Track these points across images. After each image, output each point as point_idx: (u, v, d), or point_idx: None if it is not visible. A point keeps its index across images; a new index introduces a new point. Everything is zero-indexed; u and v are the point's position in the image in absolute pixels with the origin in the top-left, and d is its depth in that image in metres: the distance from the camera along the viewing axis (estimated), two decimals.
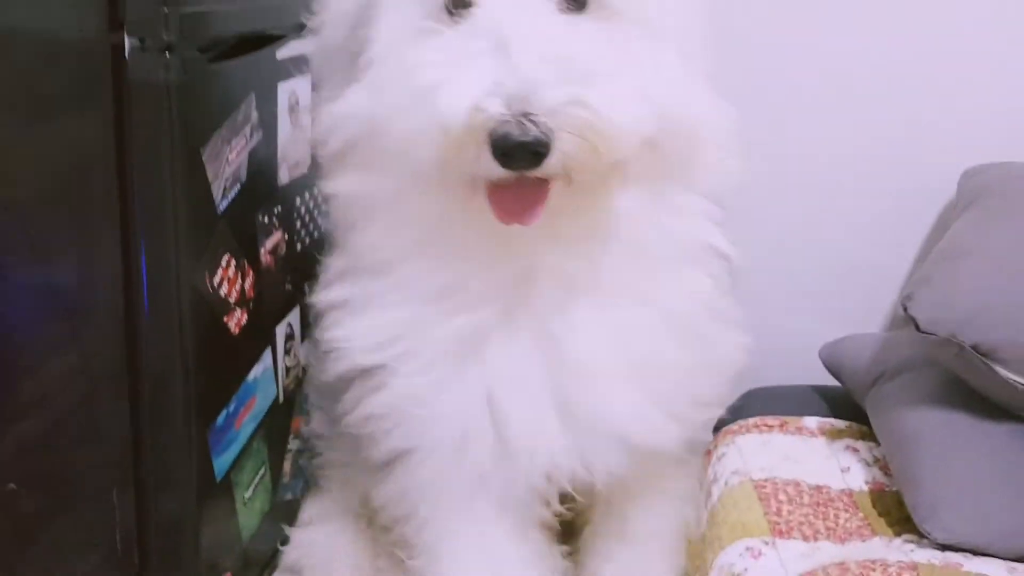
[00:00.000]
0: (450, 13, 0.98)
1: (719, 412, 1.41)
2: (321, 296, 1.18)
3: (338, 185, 1.10)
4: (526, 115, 0.87)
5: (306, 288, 1.52)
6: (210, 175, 1.17)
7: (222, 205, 1.22)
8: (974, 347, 1.17)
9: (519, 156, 0.89)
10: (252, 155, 1.28)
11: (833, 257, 1.79)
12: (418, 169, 0.97)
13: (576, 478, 1.16)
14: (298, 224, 1.48)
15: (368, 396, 1.15)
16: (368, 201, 1.09)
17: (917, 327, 1.20)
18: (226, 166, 1.21)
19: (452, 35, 0.96)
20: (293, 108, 1.39)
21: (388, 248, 1.10)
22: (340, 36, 1.07)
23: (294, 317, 1.49)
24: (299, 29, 1.36)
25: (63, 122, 1.04)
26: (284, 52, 1.34)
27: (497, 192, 0.96)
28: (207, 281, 1.19)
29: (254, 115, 1.27)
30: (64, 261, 1.08)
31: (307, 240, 1.50)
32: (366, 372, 1.15)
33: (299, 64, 1.38)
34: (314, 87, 1.18)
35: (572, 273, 1.09)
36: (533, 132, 0.87)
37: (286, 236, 1.43)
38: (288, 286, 1.45)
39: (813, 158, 1.74)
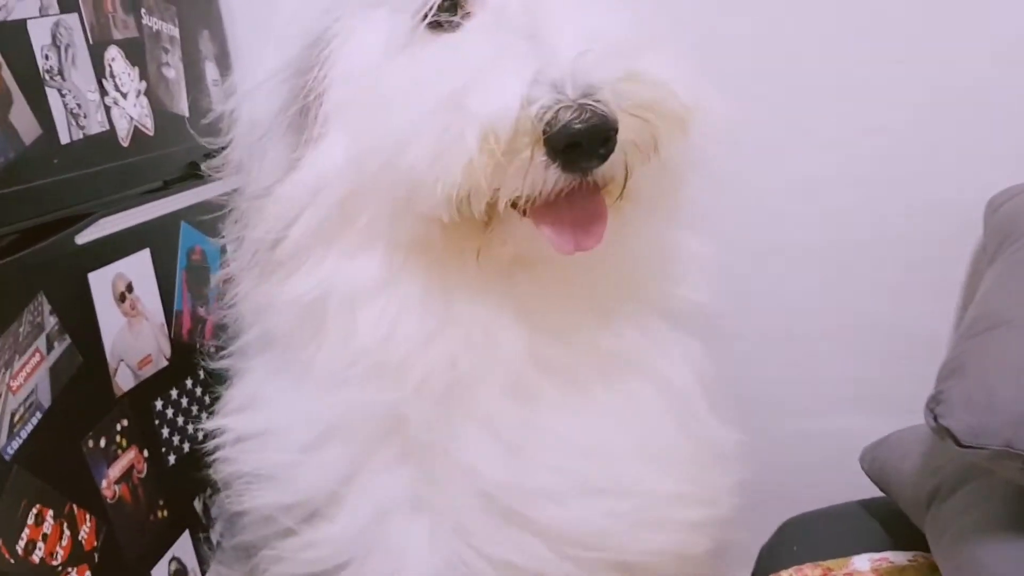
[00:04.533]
0: (437, 26, 0.82)
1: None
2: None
3: (302, 284, 0.87)
4: (586, 97, 0.73)
5: (198, 505, 1.25)
6: None
7: (11, 447, 0.94)
8: None
9: (587, 147, 0.74)
10: (59, 369, 1.01)
11: (861, 329, 1.45)
12: (431, 214, 0.78)
13: None
14: (165, 432, 1.20)
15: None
16: (346, 292, 0.86)
17: (957, 442, 0.86)
18: (8, 397, 0.94)
19: (458, 40, 0.81)
20: (124, 296, 1.13)
21: (388, 345, 0.85)
22: (278, 98, 0.87)
23: (182, 547, 1.19)
24: (109, 205, 1.13)
25: None
26: (91, 234, 1.08)
27: (549, 215, 0.79)
28: (3, 551, 0.91)
29: (50, 321, 1.01)
30: None
31: (185, 447, 1.22)
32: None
33: (123, 241, 1.13)
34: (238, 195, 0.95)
35: (598, 347, 0.90)
36: (600, 111, 0.73)
37: (145, 453, 1.15)
38: (162, 512, 1.16)
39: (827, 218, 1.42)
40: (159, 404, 1.19)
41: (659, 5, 0.94)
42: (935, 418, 0.86)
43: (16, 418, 0.96)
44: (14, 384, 0.95)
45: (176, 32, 1.31)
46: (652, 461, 0.90)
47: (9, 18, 0.98)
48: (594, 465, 0.88)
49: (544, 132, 0.73)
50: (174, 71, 1.29)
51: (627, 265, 0.89)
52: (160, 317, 1.20)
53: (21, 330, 0.97)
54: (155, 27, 1.25)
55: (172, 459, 1.20)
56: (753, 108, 1.39)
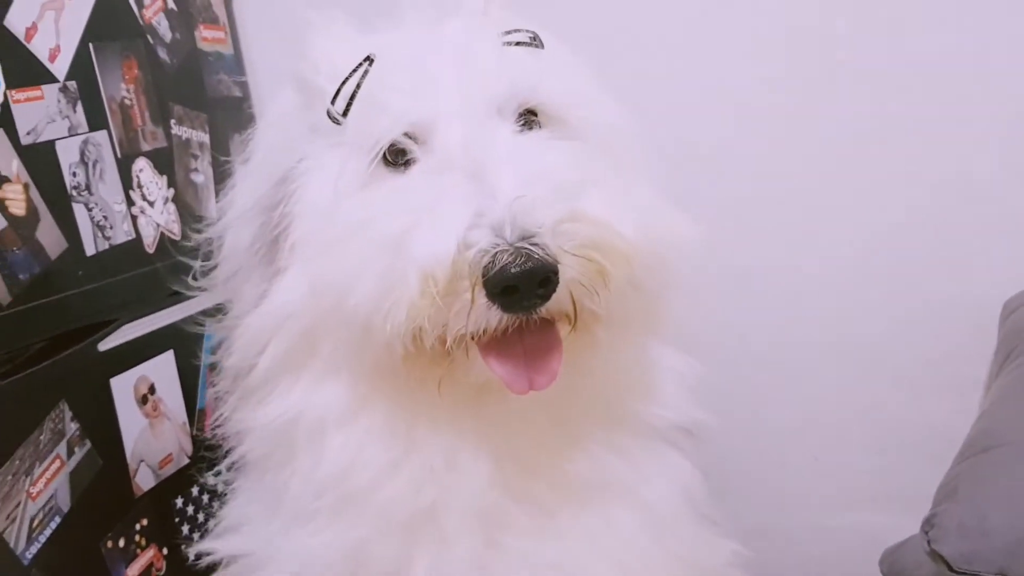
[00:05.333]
0: (392, 164, 0.84)
1: None
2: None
3: (273, 410, 0.87)
4: (524, 240, 0.73)
5: None
6: None
7: (29, 553, 0.98)
8: None
9: (525, 290, 0.73)
10: (78, 474, 1.06)
11: (880, 425, 1.43)
12: (388, 348, 0.78)
13: None
14: (185, 528, 1.23)
15: None
16: (314, 419, 0.86)
17: (949, 568, 0.85)
18: (27, 504, 0.98)
19: (407, 179, 0.82)
20: (146, 398, 1.17)
21: (353, 474, 0.85)
22: (250, 232, 0.91)
23: None
24: (134, 310, 1.18)
25: None
26: (113, 340, 1.13)
27: (499, 353, 0.78)
28: None
29: (71, 427, 1.05)
30: None
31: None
32: None
33: (146, 345, 1.18)
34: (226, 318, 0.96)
35: (570, 474, 0.88)
36: (537, 255, 0.72)
37: (164, 551, 1.18)
38: None
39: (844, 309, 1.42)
40: (179, 502, 1.23)
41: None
42: (928, 542, 0.85)
43: (35, 523, 1.00)
44: (33, 491, 1.00)
45: (206, 138, 1.37)
46: None
47: (38, 140, 1.04)
48: None
49: (484, 275, 0.72)
50: (203, 175, 1.35)
51: (599, 387, 0.88)
52: (183, 416, 1.25)
53: (42, 438, 1.02)
54: (184, 136, 1.32)
55: (191, 556, 1.23)
56: (770, 206, 1.42)
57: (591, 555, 0.88)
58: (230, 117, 1.45)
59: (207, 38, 1.41)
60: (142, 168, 1.22)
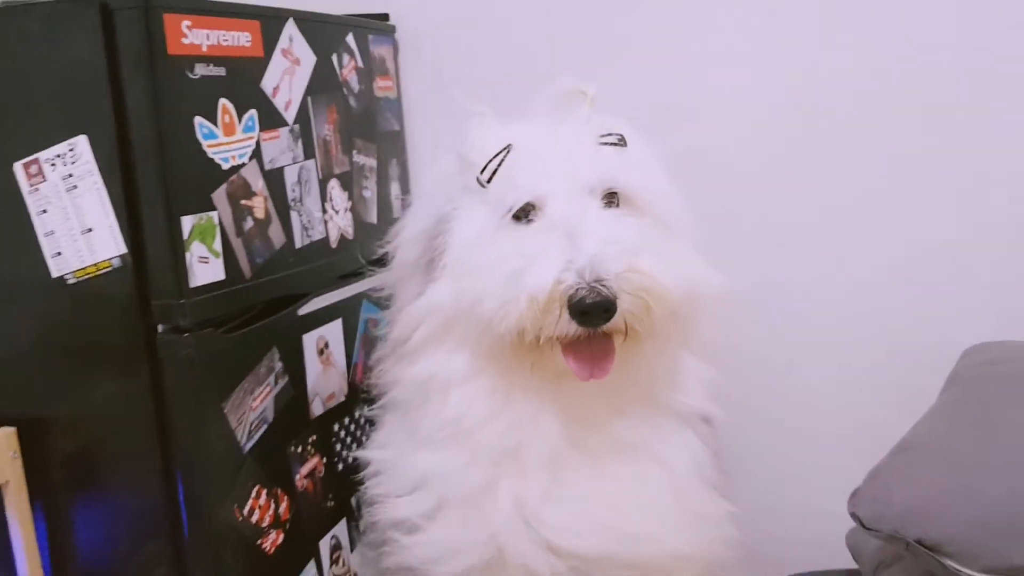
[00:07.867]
0: (518, 219, 1.25)
1: None
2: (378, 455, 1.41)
3: (418, 369, 1.32)
4: (596, 282, 1.14)
5: (353, 502, 1.74)
6: (232, 423, 1.42)
7: (247, 445, 1.46)
8: (919, 542, 1.20)
9: (593, 314, 1.15)
10: (279, 397, 1.53)
11: (859, 427, 1.82)
12: (500, 338, 1.20)
13: None
14: (338, 447, 1.70)
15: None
16: (443, 379, 1.30)
17: (862, 525, 1.24)
18: (249, 412, 1.46)
19: (526, 232, 1.24)
20: (322, 351, 1.64)
21: (465, 418, 1.29)
22: (416, 251, 1.35)
23: (340, 529, 1.70)
24: (320, 288, 1.64)
25: (112, 387, 1.36)
26: (307, 308, 1.60)
27: (573, 352, 1.20)
28: (236, 512, 1.42)
29: (278, 365, 1.52)
30: (125, 495, 1.39)
31: (350, 460, 1.72)
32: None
33: (325, 313, 1.65)
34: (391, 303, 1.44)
35: (615, 435, 1.30)
36: (604, 293, 1.14)
37: (324, 460, 1.65)
38: (330, 503, 1.67)
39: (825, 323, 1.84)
40: (336, 427, 1.70)
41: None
42: (852, 507, 1.25)
43: (252, 426, 1.47)
44: (254, 404, 1.47)
45: (375, 163, 1.83)
46: (653, 517, 1.29)
47: (274, 167, 1.51)
48: (605, 514, 1.27)
49: (568, 302, 1.13)
50: (370, 192, 1.82)
51: (643, 380, 1.29)
52: (343, 366, 1.72)
53: (260, 371, 1.49)
54: (361, 162, 1.78)
55: (340, 467, 1.70)
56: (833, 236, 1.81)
57: (629, 493, 1.30)
58: (391, 147, 1.92)
59: (381, 87, 1.87)
60: (333, 186, 1.68)
